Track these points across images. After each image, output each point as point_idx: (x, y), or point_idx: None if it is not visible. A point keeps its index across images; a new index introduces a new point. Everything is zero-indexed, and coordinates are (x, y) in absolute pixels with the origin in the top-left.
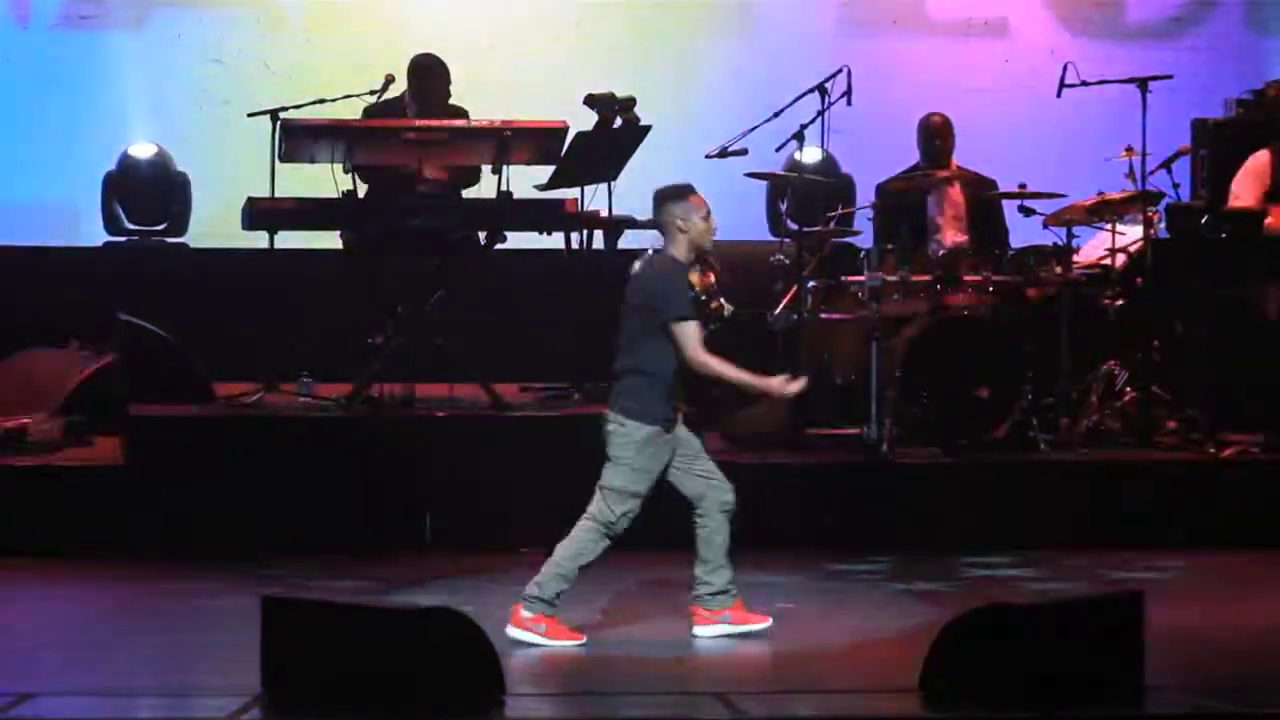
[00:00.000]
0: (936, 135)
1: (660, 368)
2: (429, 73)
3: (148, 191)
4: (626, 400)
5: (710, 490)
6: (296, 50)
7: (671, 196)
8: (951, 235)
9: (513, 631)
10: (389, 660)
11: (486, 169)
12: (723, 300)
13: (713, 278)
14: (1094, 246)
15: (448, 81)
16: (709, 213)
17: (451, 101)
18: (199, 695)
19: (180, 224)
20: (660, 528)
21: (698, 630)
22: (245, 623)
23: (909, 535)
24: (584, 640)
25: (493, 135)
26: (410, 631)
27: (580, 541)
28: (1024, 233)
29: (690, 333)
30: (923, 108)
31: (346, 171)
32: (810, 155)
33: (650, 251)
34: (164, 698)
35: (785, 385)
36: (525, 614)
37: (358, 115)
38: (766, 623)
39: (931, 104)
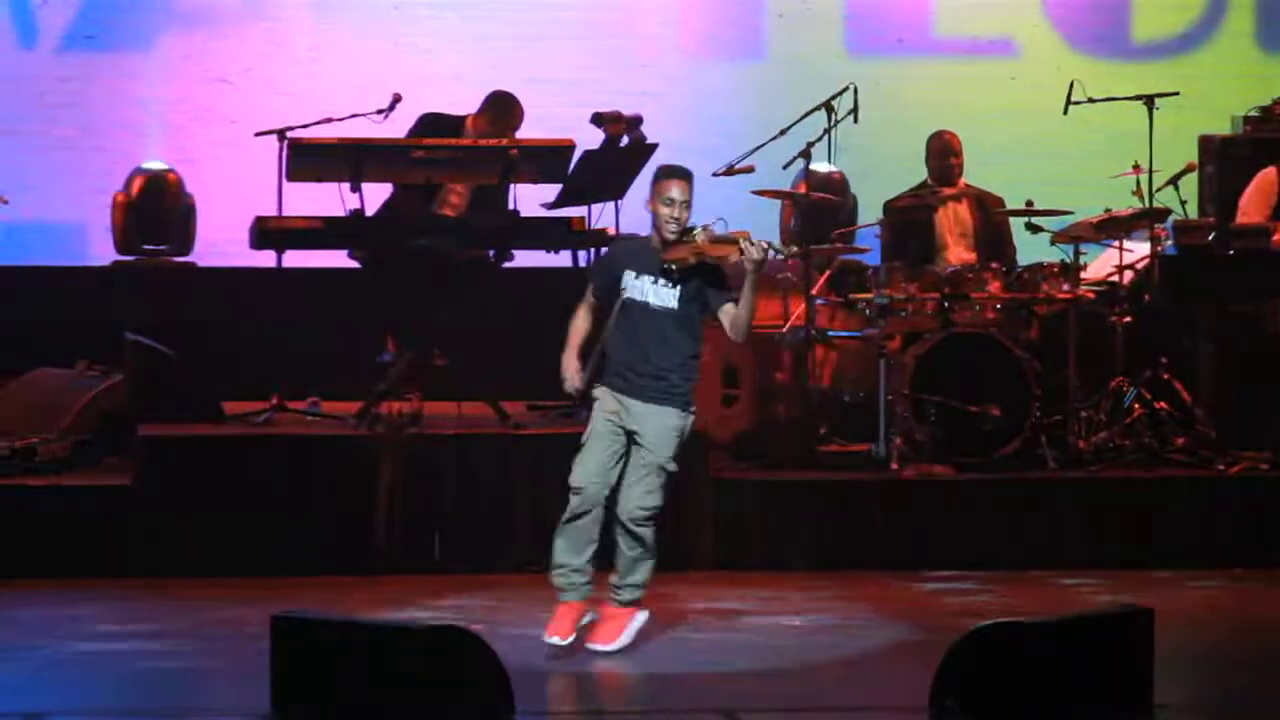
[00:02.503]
0: (945, 153)
1: None
2: (508, 108)
3: (157, 211)
4: None
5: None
6: (303, 69)
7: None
8: (958, 253)
9: None
10: (399, 679)
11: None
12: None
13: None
14: (1102, 263)
15: (518, 125)
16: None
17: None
18: (206, 715)
19: (188, 243)
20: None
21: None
22: (254, 642)
23: (919, 553)
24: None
25: (500, 154)
26: (420, 650)
27: None
28: (1032, 250)
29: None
30: (930, 126)
31: (354, 190)
32: (820, 172)
33: None
34: (172, 718)
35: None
36: None
37: (364, 135)
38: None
39: (938, 122)
